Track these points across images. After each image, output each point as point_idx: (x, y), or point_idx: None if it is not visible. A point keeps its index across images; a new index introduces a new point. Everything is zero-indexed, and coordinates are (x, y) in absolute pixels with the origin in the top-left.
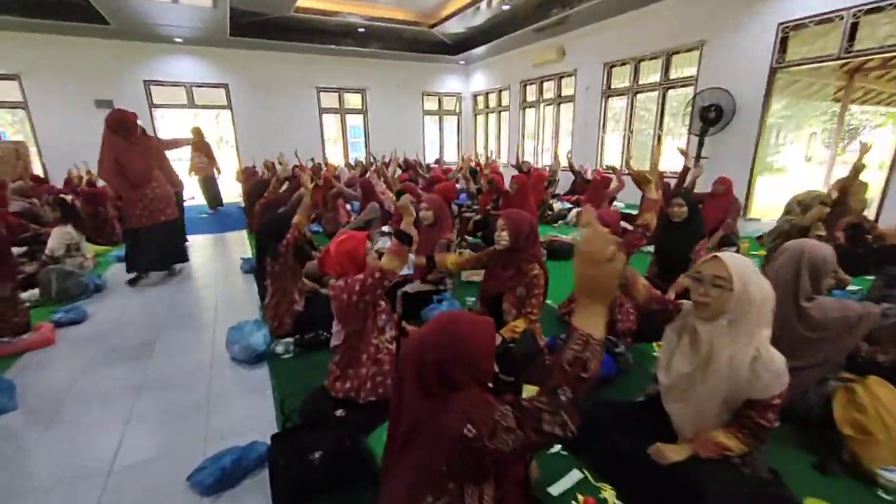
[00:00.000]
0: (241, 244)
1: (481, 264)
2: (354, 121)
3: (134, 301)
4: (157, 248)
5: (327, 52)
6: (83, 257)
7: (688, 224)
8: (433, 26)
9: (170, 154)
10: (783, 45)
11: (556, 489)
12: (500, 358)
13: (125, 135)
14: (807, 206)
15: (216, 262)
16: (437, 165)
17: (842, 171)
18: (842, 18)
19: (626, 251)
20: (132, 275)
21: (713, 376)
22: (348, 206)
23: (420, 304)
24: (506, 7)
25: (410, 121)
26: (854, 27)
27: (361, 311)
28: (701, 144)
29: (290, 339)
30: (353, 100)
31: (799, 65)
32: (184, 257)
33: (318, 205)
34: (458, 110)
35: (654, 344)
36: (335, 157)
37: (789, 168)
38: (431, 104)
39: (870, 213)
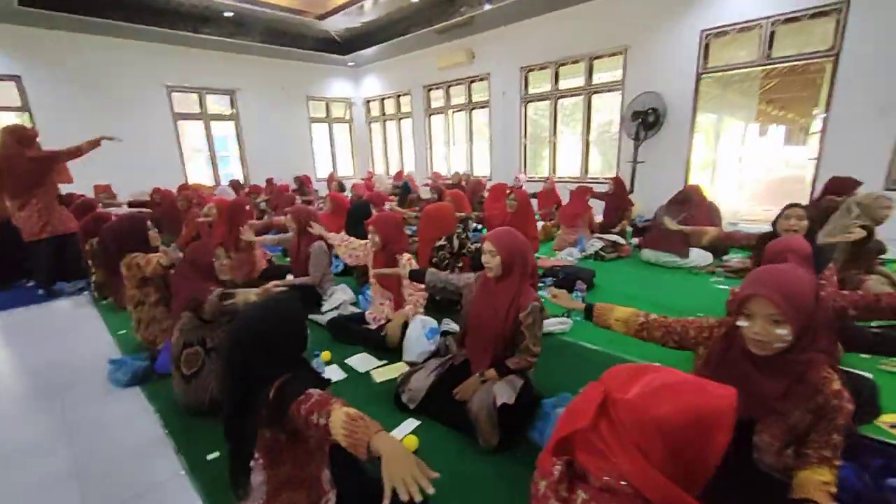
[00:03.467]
0: None
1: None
2: (222, 130)
3: None
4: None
5: (180, 41)
6: None
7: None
8: (322, 17)
9: None
10: (706, 50)
11: None
12: None
13: None
14: (868, 208)
15: None
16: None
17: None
18: (761, 27)
19: None
20: None
21: None
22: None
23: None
24: (412, 0)
25: (295, 129)
26: (772, 35)
27: None
28: (636, 149)
29: None
30: (220, 104)
31: (722, 70)
32: None
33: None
34: (348, 117)
35: None
36: (199, 176)
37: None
38: (318, 111)
39: None
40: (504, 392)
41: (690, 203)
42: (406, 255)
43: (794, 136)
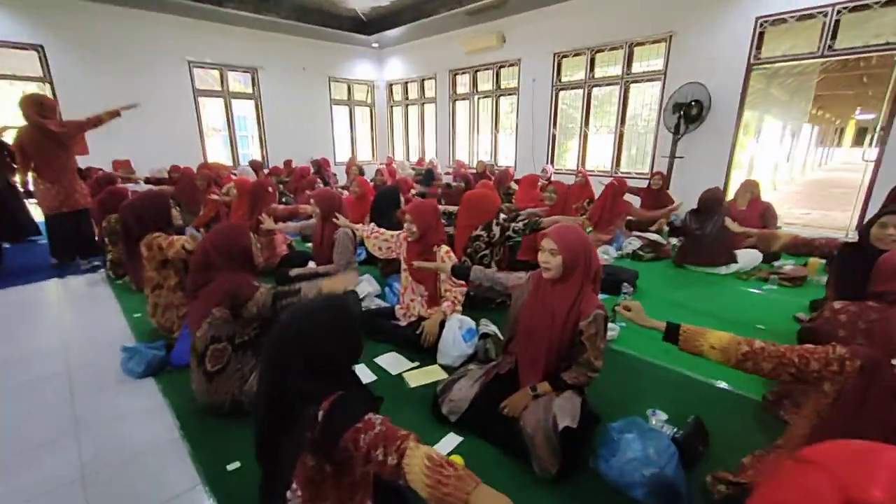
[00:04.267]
0: None
1: None
2: (242, 109)
3: None
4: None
5: (203, 14)
6: None
7: None
8: None
9: None
10: (760, 40)
11: None
12: None
13: None
14: None
15: None
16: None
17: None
18: (824, 15)
19: None
20: None
21: None
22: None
23: None
24: None
25: (317, 111)
26: (836, 24)
27: None
28: (675, 143)
29: None
30: (241, 82)
31: (777, 62)
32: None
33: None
34: (370, 100)
35: None
36: (217, 156)
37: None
38: (340, 93)
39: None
40: (566, 413)
41: (716, 207)
42: (444, 248)
43: (828, 138)
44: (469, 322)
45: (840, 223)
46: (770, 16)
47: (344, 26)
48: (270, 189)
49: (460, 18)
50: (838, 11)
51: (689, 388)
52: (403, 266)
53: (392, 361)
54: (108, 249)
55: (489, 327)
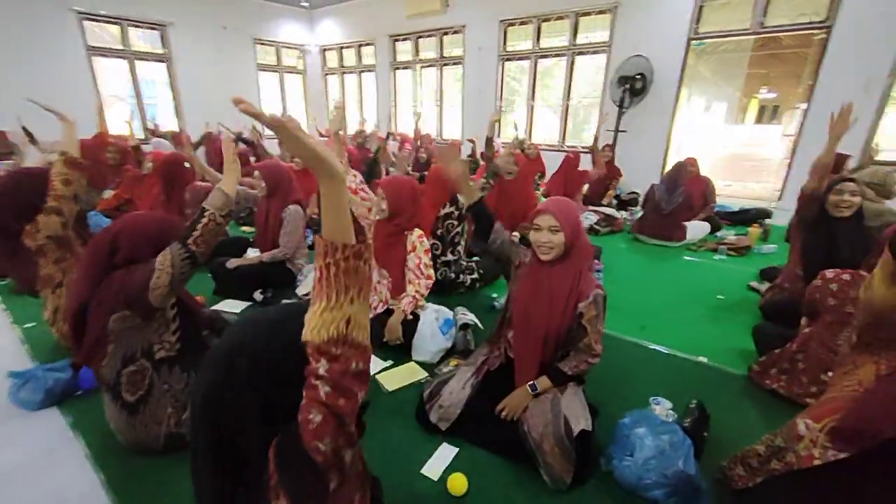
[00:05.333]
0: None
1: None
2: (151, 73)
3: None
4: None
5: None
6: None
7: (857, 222)
8: None
9: None
10: (699, 14)
11: None
12: None
13: None
14: (881, 187)
15: None
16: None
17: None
18: None
19: None
20: None
21: None
22: None
23: None
24: None
25: (240, 77)
26: (767, 2)
27: None
28: (619, 117)
29: None
30: (147, 41)
31: (714, 37)
32: None
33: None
34: (301, 67)
35: None
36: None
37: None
38: (268, 57)
39: None
40: (577, 413)
41: (679, 181)
42: (417, 232)
43: (733, 115)
44: (446, 312)
45: (759, 193)
46: None
47: None
48: (188, 165)
49: None
50: None
51: (671, 366)
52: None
53: None
54: None
55: (467, 316)
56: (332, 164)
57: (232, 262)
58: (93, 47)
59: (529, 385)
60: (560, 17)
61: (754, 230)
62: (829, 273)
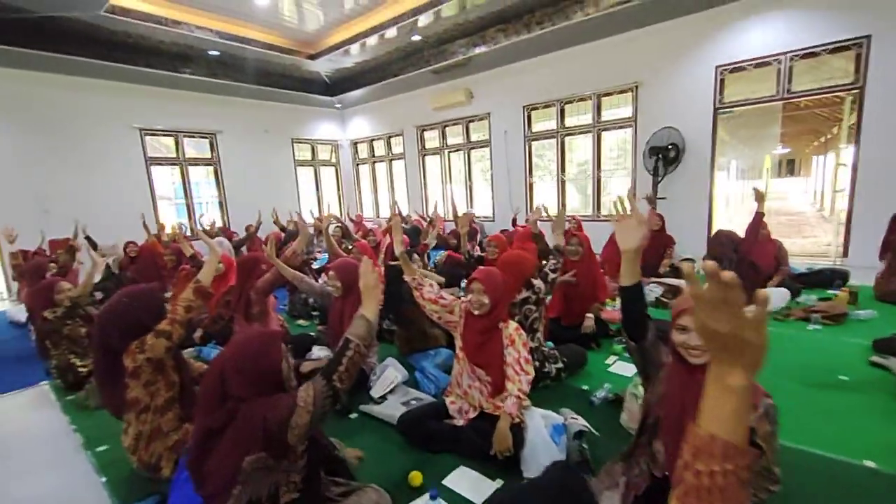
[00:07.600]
0: None
1: None
2: (196, 175)
3: None
4: None
5: (155, 80)
6: None
7: None
8: (313, 57)
9: None
10: (721, 86)
11: None
12: None
13: None
14: None
15: None
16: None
17: None
18: (779, 62)
19: None
20: None
21: None
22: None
23: None
24: (415, 38)
25: (280, 173)
26: (790, 70)
27: None
28: (655, 185)
29: None
30: (197, 148)
31: (739, 105)
32: None
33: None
34: (334, 160)
35: None
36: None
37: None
38: (304, 153)
39: None
40: None
41: (726, 250)
42: (513, 325)
43: (749, 172)
44: (555, 417)
45: (810, 249)
46: (729, 64)
47: (306, 88)
48: (264, 266)
49: (426, 77)
50: (791, 59)
51: (838, 475)
52: (459, 344)
53: (467, 482)
54: (52, 353)
55: (579, 421)
56: None
57: (306, 366)
58: (152, 158)
59: None
60: (582, 99)
61: (843, 294)
62: None
